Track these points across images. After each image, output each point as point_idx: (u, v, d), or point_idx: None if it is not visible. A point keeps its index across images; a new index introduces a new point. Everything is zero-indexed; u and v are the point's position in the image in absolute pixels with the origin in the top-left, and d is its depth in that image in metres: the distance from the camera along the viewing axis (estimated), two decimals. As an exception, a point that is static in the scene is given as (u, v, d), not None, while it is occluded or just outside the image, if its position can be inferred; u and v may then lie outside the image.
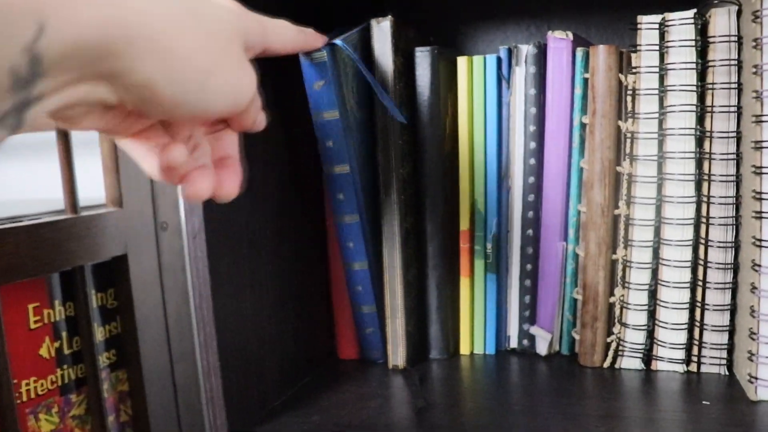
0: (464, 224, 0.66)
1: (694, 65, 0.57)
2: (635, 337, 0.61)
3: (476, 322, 0.68)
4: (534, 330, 0.66)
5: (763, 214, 0.51)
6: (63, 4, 0.21)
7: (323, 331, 0.68)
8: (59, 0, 0.21)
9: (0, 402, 0.52)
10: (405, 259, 0.63)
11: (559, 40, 0.62)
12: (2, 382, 0.52)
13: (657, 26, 0.57)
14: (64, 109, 0.25)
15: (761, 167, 0.51)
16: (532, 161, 0.64)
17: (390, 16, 0.59)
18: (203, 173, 0.32)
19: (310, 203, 0.66)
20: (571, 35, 0.62)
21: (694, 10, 0.56)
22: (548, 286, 0.65)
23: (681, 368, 0.60)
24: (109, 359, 0.66)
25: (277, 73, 0.56)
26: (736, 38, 0.55)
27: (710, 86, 0.56)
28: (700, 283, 0.58)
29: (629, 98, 0.59)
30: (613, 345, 0.62)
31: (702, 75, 0.57)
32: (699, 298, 0.59)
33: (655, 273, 0.60)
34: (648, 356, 0.61)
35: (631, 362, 0.62)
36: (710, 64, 0.56)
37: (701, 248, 0.58)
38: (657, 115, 0.58)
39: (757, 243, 0.52)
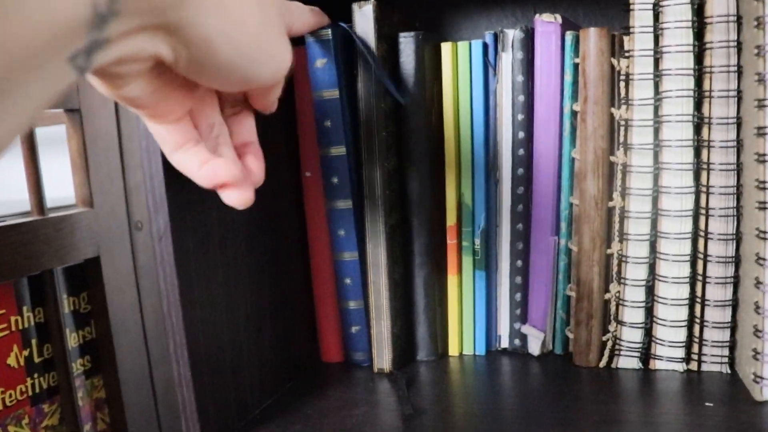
0: (451, 219, 0.64)
1: (690, 47, 0.54)
2: (632, 336, 0.59)
3: (465, 321, 0.66)
4: (526, 329, 0.64)
5: None
6: None
7: (305, 333, 0.66)
8: None
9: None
10: (391, 257, 0.60)
11: (546, 24, 0.59)
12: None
13: (651, 6, 0.55)
14: (121, 63, 0.25)
15: (765, 155, 0.49)
16: (521, 152, 0.62)
17: (373, 0, 0.56)
18: (227, 163, 0.34)
19: (288, 196, 0.63)
20: (559, 18, 0.59)
21: (691, -11, 0.54)
22: (540, 283, 0.63)
23: (681, 367, 0.58)
24: (83, 365, 0.64)
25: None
26: (735, 18, 0.53)
27: (708, 69, 0.54)
28: (700, 277, 0.56)
29: (622, 84, 0.57)
30: (609, 344, 0.60)
31: (699, 58, 0.55)
32: (699, 293, 0.57)
33: (652, 268, 0.58)
34: (646, 355, 0.59)
35: (628, 362, 0.60)
36: (708, 46, 0.54)
37: (701, 241, 0.56)
38: (652, 101, 0.56)
39: (762, 235, 0.49)
